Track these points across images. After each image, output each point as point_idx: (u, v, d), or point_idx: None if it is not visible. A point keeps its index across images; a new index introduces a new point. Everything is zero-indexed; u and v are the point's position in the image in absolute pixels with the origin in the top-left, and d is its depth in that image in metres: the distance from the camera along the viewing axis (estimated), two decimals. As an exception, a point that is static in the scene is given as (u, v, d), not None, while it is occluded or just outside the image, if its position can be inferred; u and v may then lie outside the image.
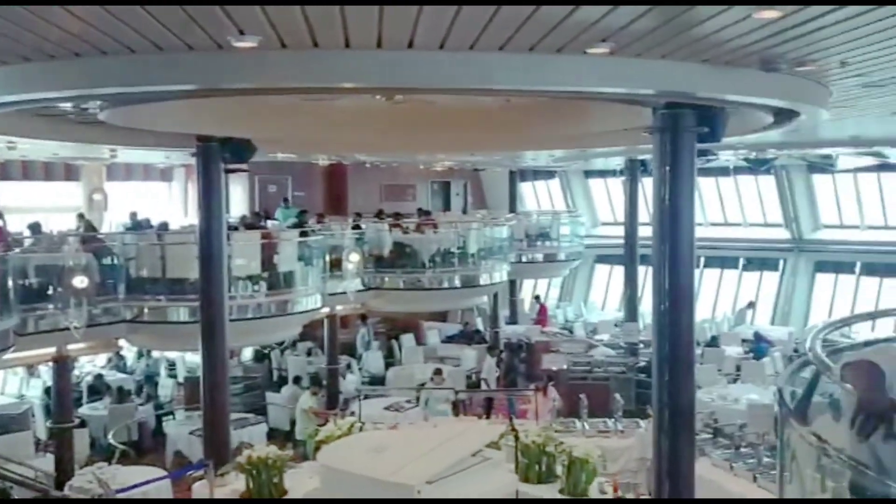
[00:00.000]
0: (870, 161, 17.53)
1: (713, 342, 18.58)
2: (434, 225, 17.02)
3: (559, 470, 8.66)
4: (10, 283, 9.57)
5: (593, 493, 8.44)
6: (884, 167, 18.22)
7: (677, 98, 7.11)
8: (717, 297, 23.22)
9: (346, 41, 5.64)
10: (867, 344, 3.76)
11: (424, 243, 15.93)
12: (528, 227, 20.90)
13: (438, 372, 15.40)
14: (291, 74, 6.03)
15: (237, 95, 7.69)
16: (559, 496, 8.42)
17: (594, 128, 11.30)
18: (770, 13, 4.84)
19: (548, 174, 25.91)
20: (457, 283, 15.89)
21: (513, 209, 22.92)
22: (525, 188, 26.74)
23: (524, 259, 20.13)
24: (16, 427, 12.29)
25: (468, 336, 21.04)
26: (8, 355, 9.36)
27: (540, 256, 20.92)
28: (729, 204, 22.87)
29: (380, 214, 18.69)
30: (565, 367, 16.46)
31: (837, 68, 6.66)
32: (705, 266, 22.73)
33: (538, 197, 27.38)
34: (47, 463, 11.30)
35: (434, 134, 12.24)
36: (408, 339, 20.33)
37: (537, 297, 24.16)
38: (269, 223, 16.33)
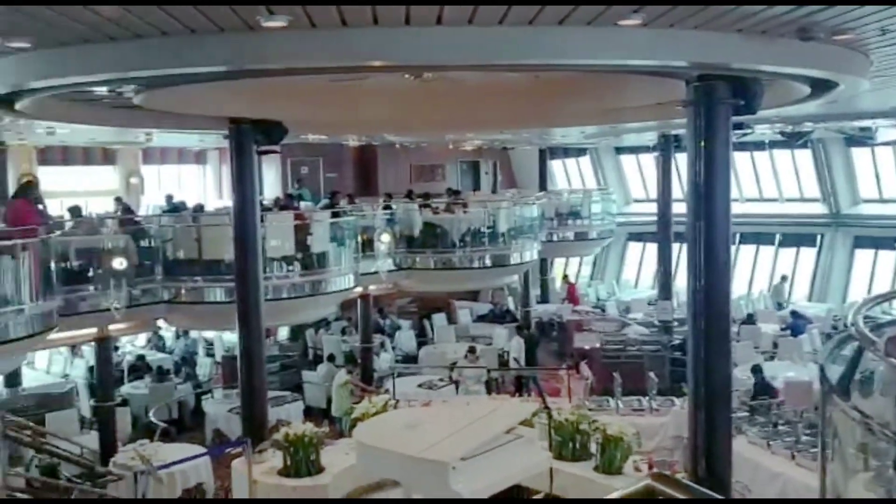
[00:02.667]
0: (911, 133, 17.11)
1: (749, 319, 18.37)
2: (464, 204, 16.99)
3: (593, 448, 8.67)
4: (53, 265, 9.74)
5: (628, 470, 8.43)
6: (926, 139, 17.79)
7: (711, 70, 7.00)
8: (752, 273, 22.93)
9: (374, 18, 5.63)
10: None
11: (454, 223, 15.91)
12: (558, 205, 20.71)
13: (472, 350, 15.44)
14: (320, 54, 6.04)
15: (268, 77, 7.72)
16: (594, 474, 8.43)
17: (626, 102, 11.16)
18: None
19: (578, 151, 25.68)
20: (487, 262, 15.85)
21: (543, 187, 22.76)
22: (555, 166, 26.54)
23: (555, 238, 20.00)
24: (61, 405, 12.62)
25: (499, 315, 21.05)
26: (52, 335, 9.57)
27: (571, 235, 20.74)
28: (765, 179, 22.51)
29: (409, 195, 18.70)
30: (598, 345, 16.42)
31: (877, 36, 6.49)
32: (741, 242, 22.44)
33: (569, 175, 27.18)
34: (92, 440, 11.58)
35: (463, 112, 12.19)
36: (439, 318, 20.39)
37: (565, 277, 24.06)
38: (303, 204, 16.44)
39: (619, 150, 25.18)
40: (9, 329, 8.60)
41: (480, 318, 20.99)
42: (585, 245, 21.38)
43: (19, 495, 8.33)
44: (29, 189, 10.68)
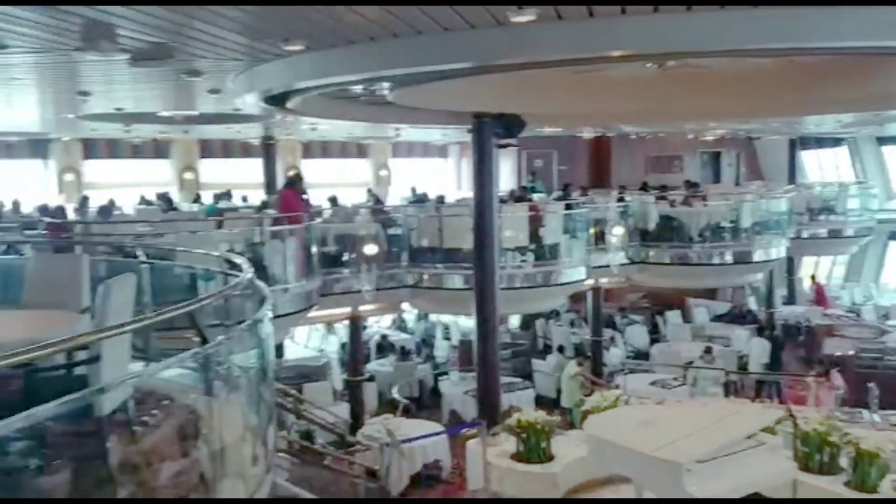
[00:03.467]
0: None
1: None
2: (703, 197, 16.34)
3: (843, 462, 8.03)
4: (314, 249, 10.73)
5: (884, 490, 7.72)
6: None
7: None
8: None
9: (622, 8, 5.61)
10: None
11: (692, 217, 15.38)
12: (809, 199, 19.40)
13: (708, 351, 14.85)
14: (568, 46, 6.12)
15: (510, 71, 7.94)
16: (844, 490, 7.82)
17: (891, 88, 10.15)
18: None
19: (833, 141, 23.66)
20: (728, 258, 15.19)
21: (792, 180, 21.27)
22: (806, 157, 24.64)
23: (804, 234, 18.68)
24: (317, 377, 13.88)
25: (739, 315, 19.98)
26: (312, 313, 10.58)
27: (823, 232, 19.33)
28: None
29: (644, 187, 18.31)
30: (851, 353, 15.14)
31: None
32: None
33: (822, 166, 25.08)
34: (343, 411, 12.67)
35: (707, 101, 11.74)
36: (673, 315, 19.78)
37: (812, 278, 22.31)
38: (536, 196, 16.69)
39: (882, 141, 22.82)
40: (277, 305, 9.60)
41: (718, 318, 20.09)
42: (839, 243, 19.82)
43: (282, 455, 9.29)
44: (296, 181, 11.84)
